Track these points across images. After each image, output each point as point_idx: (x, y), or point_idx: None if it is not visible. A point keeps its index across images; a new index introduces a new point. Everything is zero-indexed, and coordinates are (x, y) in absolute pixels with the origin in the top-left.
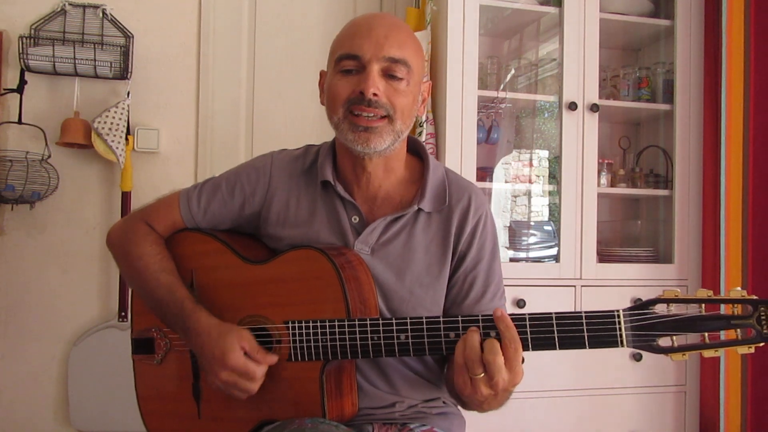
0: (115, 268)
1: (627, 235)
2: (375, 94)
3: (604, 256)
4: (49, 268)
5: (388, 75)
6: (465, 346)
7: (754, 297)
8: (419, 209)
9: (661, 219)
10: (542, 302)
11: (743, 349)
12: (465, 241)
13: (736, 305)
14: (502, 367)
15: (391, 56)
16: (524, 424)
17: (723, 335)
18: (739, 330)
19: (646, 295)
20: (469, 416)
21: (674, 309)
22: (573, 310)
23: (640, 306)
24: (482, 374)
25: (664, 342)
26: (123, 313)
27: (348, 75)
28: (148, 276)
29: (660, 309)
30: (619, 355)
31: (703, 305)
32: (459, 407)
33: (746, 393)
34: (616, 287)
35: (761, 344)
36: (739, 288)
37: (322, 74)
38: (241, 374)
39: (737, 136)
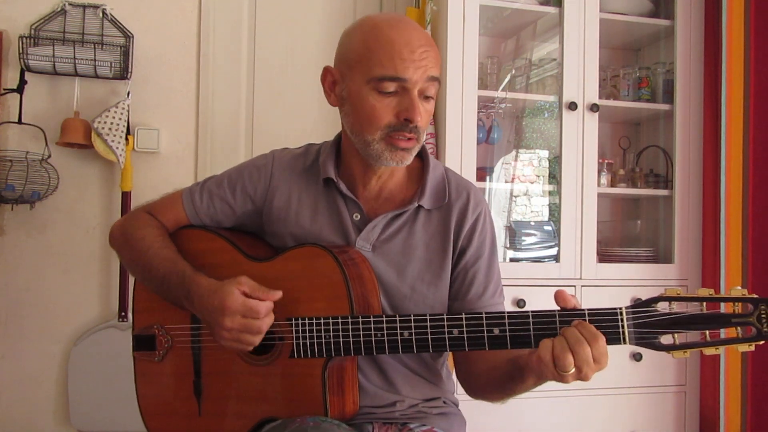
0: (115, 268)
1: (627, 235)
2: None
3: (604, 256)
4: (49, 268)
5: (424, 96)
6: (561, 343)
7: (755, 295)
8: (419, 206)
9: (661, 219)
10: (542, 302)
11: (744, 347)
12: (465, 236)
13: (736, 304)
14: (590, 359)
15: (431, 76)
16: (524, 424)
17: (723, 333)
18: (739, 328)
19: (646, 295)
20: (470, 417)
21: (675, 307)
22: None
23: (642, 304)
24: (572, 369)
25: (665, 339)
26: (123, 313)
27: (388, 96)
28: (150, 255)
29: (661, 307)
30: (619, 355)
31: (704, 304)
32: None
33: (746, 393)
34: (616, 287)
35: (761, 342)
36: (739, 287)
37: (330, 72)
38: (245, 314)
39: (737, 136)
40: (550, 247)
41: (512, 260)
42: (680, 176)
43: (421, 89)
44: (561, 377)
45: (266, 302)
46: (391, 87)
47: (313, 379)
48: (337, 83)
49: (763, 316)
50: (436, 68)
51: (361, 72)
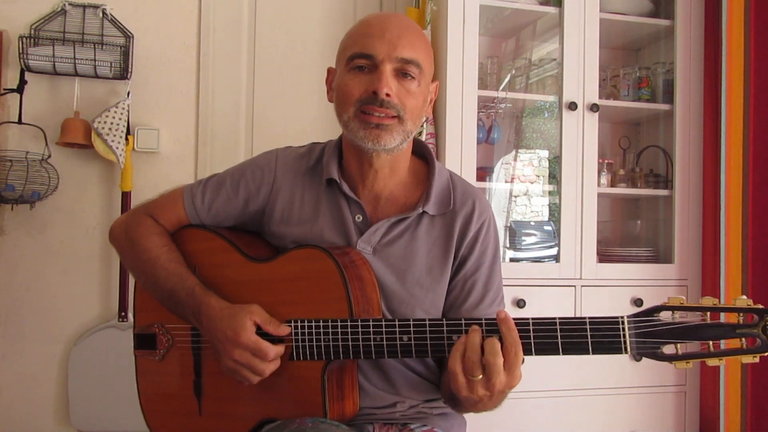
0: (115, 268)
1: (627, 235)
2: (387, 95)
3: (604, 256)
4: (49, 268)
5: (401, 74)
6: (466, 347)
7: (760, 306)
8: (423, 212)
9: (661, 219)
10: (542, 302)
11: (748, 359)
12: (467, 245)
13: (740, 313)
14: (501, 370)
15: (403, 57)
16: (524, 424)
17: (724, 344)
18: (743, 339)
19: (646, 295)
20: (470, 416)
21: (678, 315)
22: (573, 309)
23: (644, 313)
24: (480, 376)
25: (668, 349)
26: (123, 313)
27: (360, 73)
28: (157, 267)
29: (664, 316)
30: (620, 354)
31: (708, 312)
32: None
33: (746, 393)
34: (616, 287)
35: (766, 354)
36: (744, 297)
37: (330, 71)
38: (255, 353)
39: (737, 136)
40: (550, 247)
41: (512, 260)
42: (680, 176)
43: (396, 68)
44: (470, 384)
45: (276, 348)
46: (362, 63)
47: (313, 381)
48: (332, 80)
49: None
50: (414, 52)
51: (342, 58)
